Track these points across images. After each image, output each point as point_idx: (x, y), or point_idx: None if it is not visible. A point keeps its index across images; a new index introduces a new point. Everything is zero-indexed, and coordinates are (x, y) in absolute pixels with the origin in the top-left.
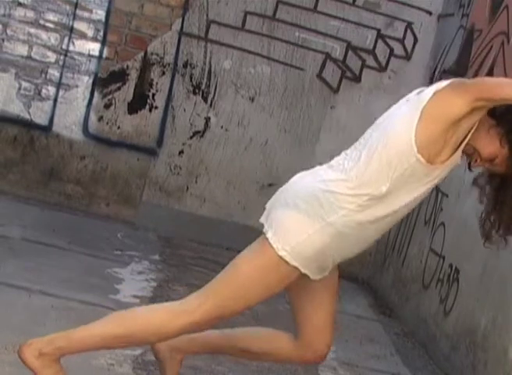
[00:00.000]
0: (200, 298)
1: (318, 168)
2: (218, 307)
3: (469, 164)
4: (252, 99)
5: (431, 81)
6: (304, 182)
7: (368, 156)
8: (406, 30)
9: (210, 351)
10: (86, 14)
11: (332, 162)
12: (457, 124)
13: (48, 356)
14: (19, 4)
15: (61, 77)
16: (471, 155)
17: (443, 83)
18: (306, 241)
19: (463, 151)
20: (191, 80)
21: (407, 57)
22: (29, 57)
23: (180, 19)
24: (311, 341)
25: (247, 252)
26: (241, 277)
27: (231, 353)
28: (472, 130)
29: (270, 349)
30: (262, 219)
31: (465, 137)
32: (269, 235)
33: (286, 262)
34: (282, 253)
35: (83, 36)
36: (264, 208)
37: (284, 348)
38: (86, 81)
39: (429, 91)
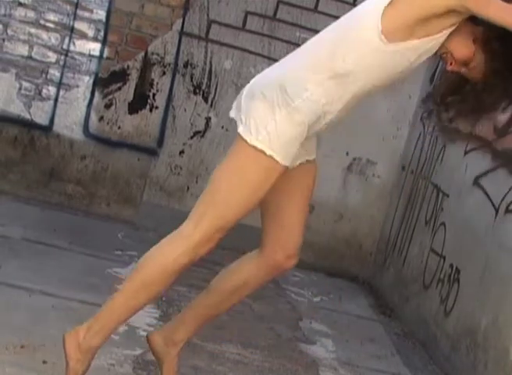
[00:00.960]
0: (192, 219)
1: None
2: (212, 219)
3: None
4: None
5: (431, 81)
6: (268, 74)
7: (331, 37)
8: None
9: (202, 321)
10: (86, 14)
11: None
12: (431, 18)
13: (84, 352)
14: (20, 4)
15: (61, 77)
16: (445, 56)
17: None
18: (277, 127)
19: (435, 53)
20: (192, 80)
21: None
22: (29, 57)
23: (181, 19)
24: (278, 238)
25: (224, 157)
26: (224, 181)
27: (219, 309)
28: (447, 31)
29: (247, 275)
30: (231, 114)
31: (436, 34)
32: (240, 129)
33: (262, 151)
34: (254, 143)
35: (83, 36)
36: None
37: (255, 264)
38: (86, 81)
39: None
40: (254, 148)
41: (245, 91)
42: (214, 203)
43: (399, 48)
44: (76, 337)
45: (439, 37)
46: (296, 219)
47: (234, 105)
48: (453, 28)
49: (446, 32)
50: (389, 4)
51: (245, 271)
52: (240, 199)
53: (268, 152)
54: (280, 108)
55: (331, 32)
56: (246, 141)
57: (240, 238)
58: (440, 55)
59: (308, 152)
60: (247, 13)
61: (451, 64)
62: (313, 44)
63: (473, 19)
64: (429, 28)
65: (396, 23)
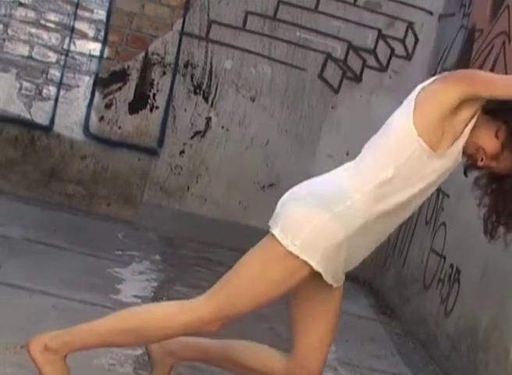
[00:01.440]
0: (206, 296)
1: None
2: (224, 304)
3: (468, 167)
4: (253, 99)
5: None
6: (314, 181)
7: (372, 151)
8: (407, 30)
9: (202, 359)
10: (87, 14)
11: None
12: (453, 114)
13: (53, 352)
14: (20, 4)
15: (62, 77)
16: (473, 155)
17: (429, 80)
18: (314, 232)
19: (464, 153)
20: (192, 80)
21: (408, 57)
22: (30, 57)
23: (181, 19)
24: (304, 356)
25: (253, 250)
26: (247, 274)
27: (222, 365)
28: (470, 125)
29: (263, 366)
30: (270, 221)
31: (463, 130)
32: (276, 232)
33: (296, 256)
34: (291, 248)
35: (84, 36)
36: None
37: (276, 365)
38: (87, 81)
39: (419, 86)
40: (289, 252)
41: (284, 196)
42: (230, 291)
43: (442, 155)
44: (42, 341)
45: (466, 135)
46: (326, 341)
47: (273, 216)
48: (474, 122)
49: (470, 126)
50: (414, 114)
51: (268, 366)
52: (260, 294)
53: (302, 257)
54: (320, 213)
55: (371, 147)
56: (280, 244)
57: (240, 238)
58: (468, 156)
59: (342, 274)
60: (247, 13)
61: (482, 160)
62: (356, 160)
63: (490, 113)
64: (455, 127)
65: (429, 128)
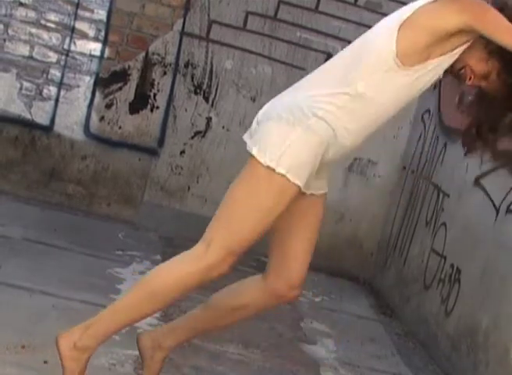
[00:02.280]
0: (205, 240)
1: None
2: (224, 241)
3: (459, 79)
4: (253, 99)
5: None
6: (284, 97)
7: (347, 61)
8: None
9: (192, 334)
10: (87, 14)
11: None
12: (445, 39)
13: (82, 350)
14: (21, 4)
15: (62, 77)
16: (463, 72)
17: None
18: (290, 147)
19: (453, 71)
20: (192, 80)
21: None
22: (30, 57)
23: (181, 19)
24: (281, 266)
25: (237, 180)
26: (236, 202)
27: (214, 325)
28: (463, 47)
29: (247, 298)
30: (245, 137)
31: (453, 50)
32: (254, 151)
33: (275, 171)
34: (269, 163)
35: (84, 36)
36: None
37: (258, 289)
38: (87, 81)
39: (415, 3)
40: (268, 168)
41: (259, 114)
42: (226, 225)
43: (419, 71)
44: (71, 337)
45: (455, 54)
46: (301, 249)
47: (248, 131)
48: (468, 44)
49: (461, 48)
50: (402, 28)
51: (247, 294)
52: (253, 222)
53: (282, 171)
54: (295, 128)
55: (345, 55)
56: (260, 163)
57: None
58: (458, 72)
59: (321, 184)
60: (247, 13)
61: (470, 79)
62: (327, 67)
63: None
64: (444, 47)
65: (412, 48)
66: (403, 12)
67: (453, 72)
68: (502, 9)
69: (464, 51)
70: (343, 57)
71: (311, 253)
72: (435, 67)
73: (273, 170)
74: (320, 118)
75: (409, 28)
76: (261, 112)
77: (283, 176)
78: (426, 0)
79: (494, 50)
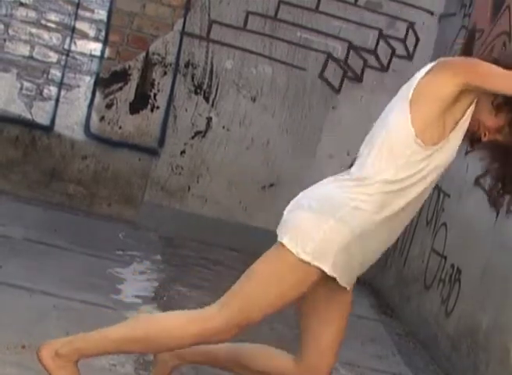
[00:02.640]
0: (218, 305)
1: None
2: (237, 313)
3: (473, 141)
4: (254, 99)
5: None
6: (315, 188)
7: (372, 150)
8: (408, 30)
9: (210, 362)
10: (87, 14)
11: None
12: (452, 104)
13: (64, 358)
14: (21, 4)
15: (62, 77)
16: (476, 130)
17: (428, 66)
18: (323, 238)
19: (468, 130)
20: (193, 80)
21: (409, 57)
22: (31, 57)
23: (182, 19)
24: (313, 360)
25: (264, 258)
26: (260, 283)
27: (230, 368)
28: (472, 107)
29: (271, 368)
30: (278, 230)
31: (464, 114)
32: (285, 240)
33: (307, 263)
34: (303, 256)
35: (84, 36)
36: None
37: (285, 368)
38: (87, 81)
39: (417, 74)
40: (300, 259)
41: (290, 204)
42: (242, 299)
43: (441, 148)
44: (52, 347)
45: (466, 120)
46: (334, 341)
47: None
48: (474, 104)
49: (470, 110)
50: (412, 105)
51: (278, 369)
52: (268, 303)
53: (316, 264)
54: (327, 219)
55: (368, 144)
56: (290, 252)
57: (241, 238)
58: (471, 133)
59: (353, 278)
60: (248, 13)
61: (485, 135)
62: (357, 163)
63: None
64: (455, 114)
65: (427, 124)
66: (405, 93)
67: (468, 132)
68: (496, 61)
69: (474, 111)
70: (367, 146)
71: (339, 347)
72: (455, 135)
73: (308, 263)
74: (352, 208)
75: (415, 105)
76: (292, 201)
77: (317, 267)
78: (421, 73)
79: (501, 102)
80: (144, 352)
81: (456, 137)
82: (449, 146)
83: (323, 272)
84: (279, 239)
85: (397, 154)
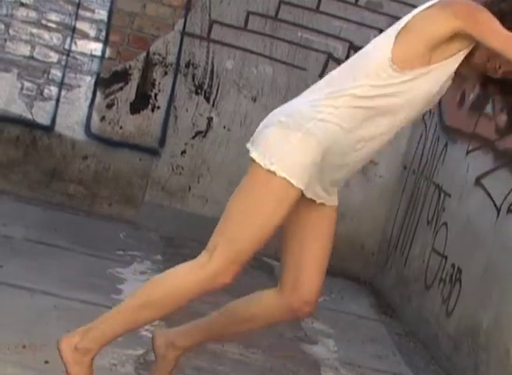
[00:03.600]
0: (208, 249)
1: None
2: (226, 249)
3: (486, 82)
4: (254, 99)
5: None
6: (285, 105)
7: (348, 70)
8: None
9: (205, 338)
10: (88, 14)
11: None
12: (444, 43)
13: (83, 352)
14: (22, 4)
15: (63, 77)
16: (486, 67)
17: (428, 3)
18: (291, 150)
19: (475, 70)
20: (193, 80)
21: None
22: (31, 57)
23: (182, 20)
24: (296, 283)
25: (238, 187)
26: (237, 208)
27: (227, 332)
28: (466, 50)
29: (260, 310)
30: (248, 145)
31: (455, 54)
32: (254, 155)
33: (274, 173)
34: (270, 167)
35: (85, 36)
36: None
37: (271, 302)
38: (88, 81)
39: (414, 10)
40: (268, 171)
41: (262, 123)
42: (227, 233)
43: (418, 75)
44: (72, 340)
45: (459, 57)
46: (314, 262)
47: (251, 139)
48: (471, 48)
49: (466, 50)
50: (399, 35)
51: (263, 306)
52: (254, 228)
53: (282, 174)
54: (295, 132)
55: (344, 66)
56: (260, 166)
57: None
58: (480, 70)
59: (330, 193)
60: (248, 13)
61: (499, 67)
62: (326, 78)
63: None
64: (446, 51)
65: (409, 53)
66: (401, 22)
67: (477, 69)
68: (503, 16)
69: (479, 48)
70: (343, 67)
71: (324, 267)
72: (437, 70)
73: (273, 173)
74: (319, 120)
75: (405, 35)
76: (264, 120)
77: (283, 179)
78: (423, 7)
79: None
80: (155, 318)
81: (439, 73)
82: (428, 79)
83: (295, 188)
84: (250, 154)
85: (371, 74)
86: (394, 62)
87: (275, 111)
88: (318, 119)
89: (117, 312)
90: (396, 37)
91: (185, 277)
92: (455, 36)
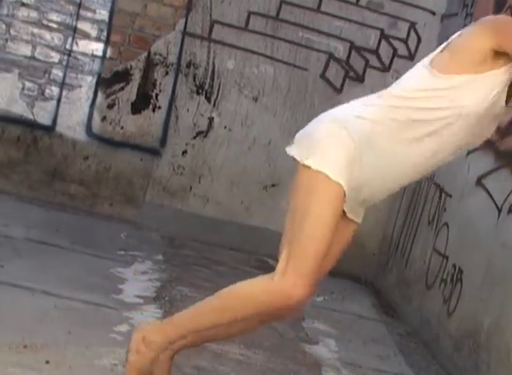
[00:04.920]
0: (280, 267)
1: None
2: (297, 263)
3: None
4: (255, 99)
5: None
6: (327, 112)
7: (396, 84)
8: (409, 30)
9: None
10: (89, 14)
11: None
12: (485, 60)
13: (147, 344)
14: (23, 4)
15: (64, 77)
16: None
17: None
18: (325, 144)
19: None
20: (194, 80)
21: (411, 57)
22: (32, 57)
23: (183, 20)
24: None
25: (291, 199)
26: (297, 212)
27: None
28: (507, 66)
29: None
30: (288, 151)
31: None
32: (294, 152)
33: (312, 169)
34: (307, 161)
35: (86, 36)
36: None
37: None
38: (89, 81)
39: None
40: (308, 168)
41: (302, 129)
42: (294, 250)
43: (460, 82)
44: (144, 330)
45: (502, 73)
46: (326, 264)
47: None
48: None
49: (508, 66)
50: (441, 53)
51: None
52: (309, 233)
53: (318, 168)
54: (334, 131)
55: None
56: (299, 163)
57: (243, 238)
58: None
59: (360, 212)
60: (249, 13)
61: None
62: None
63: None
64: (492, 65)
65: (451, 65)
66: (439, 48)
67: None
68: None
69: None
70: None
71: (329, 267)
72: (483, 81)
73: (313, 170)
74: (355, 117)
75: (446, 52)
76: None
77: (322, 173)
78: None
79: None
80: (219, 325)
81: (486, 84)
82: (474, 90)
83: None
84: (288, 152)
85: (413, 84)
86: (434, 68)
87: (313, 121)
88: (354, 115)
89: (186, 311)
90: (437, 56)
91: (257, 286)
92: (496, 54)
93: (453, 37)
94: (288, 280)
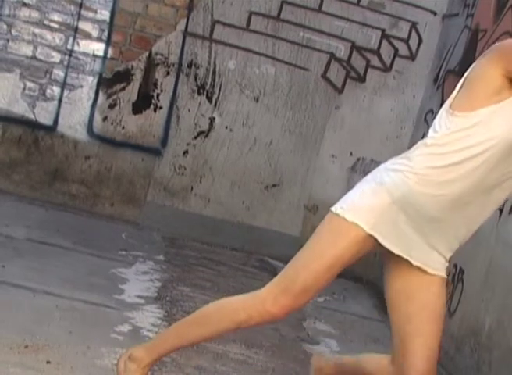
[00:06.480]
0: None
1: None
2: (280, 280)
3: None
4: (257, 99)
5: (435, 81)
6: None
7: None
8: (410, 30)
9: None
10: (90, 14)
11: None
12: (502, 88)
13: (134, 361)
14: (24, 4)
15: (65, 77)
16: None
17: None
18: (361, 196)
19: None
20: (196, 80)
21: (412, 57)
22: (33, 57)
23: (185, 20)
24: (402, 359)
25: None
26: (304, 250)
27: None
28: None
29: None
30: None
31: None
32: (332, 208)
33: (342, 218)
34: (338, 211)
35: (87, 36)
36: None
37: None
38: (90, 81)
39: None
40: (337, 215)
41: None
42: (288, 268)
43: (481, 116)
44: (130, 351)
45: None
46: (422, 343)
47: None
48: None
49: None
50: (456, 96)
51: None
52: (307, 260)
53: (347, 217)
54: (369, 183)
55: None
56: (331, 212)
57: (244, 238)
58: None
59: (436, 261)
60: (250, 13)
61: None
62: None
63: None
64: (507, 93)
65: (469, 100)
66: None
67: None
68: None
69: None
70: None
71: (434, 349)
72: (503, 110)
73: (342, 217)
74: (391, 170)
75: (464, 89)
76: None
77: (342, 217)
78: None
79: None
80: (207, 336)
81: (506, 111)
82: (501, 119)
83: (373, 239)
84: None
85: (438, 129)
86: (454, 109)
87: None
88: (390, 169)
89: (172, 326)
90: (455, 97)
91: (237, 298)
92: (508, 81)
93: (466, 73)
94: (266, 290)
